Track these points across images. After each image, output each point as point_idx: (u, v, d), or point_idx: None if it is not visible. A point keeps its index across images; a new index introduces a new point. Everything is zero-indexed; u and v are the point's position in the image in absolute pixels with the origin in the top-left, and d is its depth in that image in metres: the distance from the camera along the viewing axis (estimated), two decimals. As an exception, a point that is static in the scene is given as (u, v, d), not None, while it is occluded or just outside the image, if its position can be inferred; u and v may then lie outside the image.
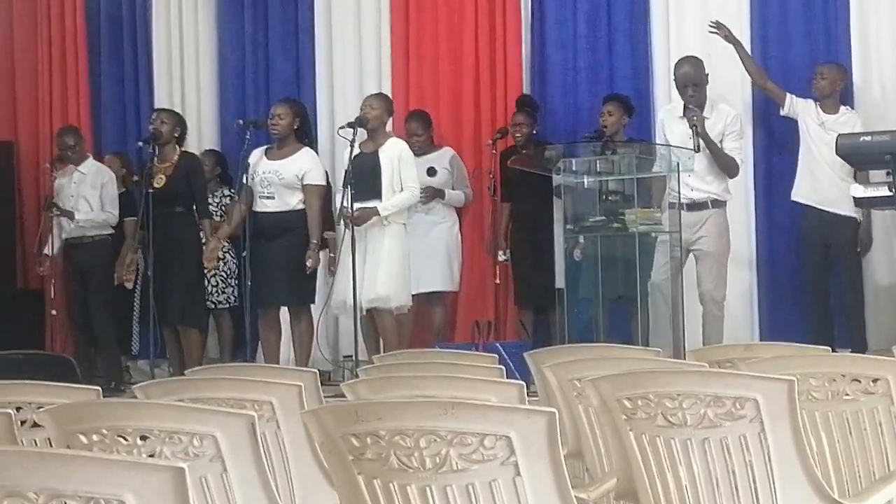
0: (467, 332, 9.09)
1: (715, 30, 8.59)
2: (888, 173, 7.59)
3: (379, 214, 8.22)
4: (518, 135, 9.04)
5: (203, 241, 8.71)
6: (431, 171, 9.01)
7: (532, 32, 9.70)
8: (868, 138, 7.76)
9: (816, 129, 8.39)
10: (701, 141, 8.07)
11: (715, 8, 9.02)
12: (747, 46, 8.84)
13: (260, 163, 8.46)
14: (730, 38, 8.59)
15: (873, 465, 3.81)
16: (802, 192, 8.50)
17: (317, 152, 8.94)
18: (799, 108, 8.55)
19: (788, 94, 8.59)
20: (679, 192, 7.92)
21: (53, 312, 9.81)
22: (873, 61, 8.82)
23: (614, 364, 4.14)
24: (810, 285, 8.50)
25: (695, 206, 8.13)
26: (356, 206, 8.18)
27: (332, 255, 8.79)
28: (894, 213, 7.89)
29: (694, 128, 8.09)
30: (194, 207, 8.76)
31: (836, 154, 7.83)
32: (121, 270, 9.15)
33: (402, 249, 8.39)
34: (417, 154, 8.79)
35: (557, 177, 7.86)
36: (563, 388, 4.29)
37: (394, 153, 8.38)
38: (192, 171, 8.80)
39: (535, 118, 9.14)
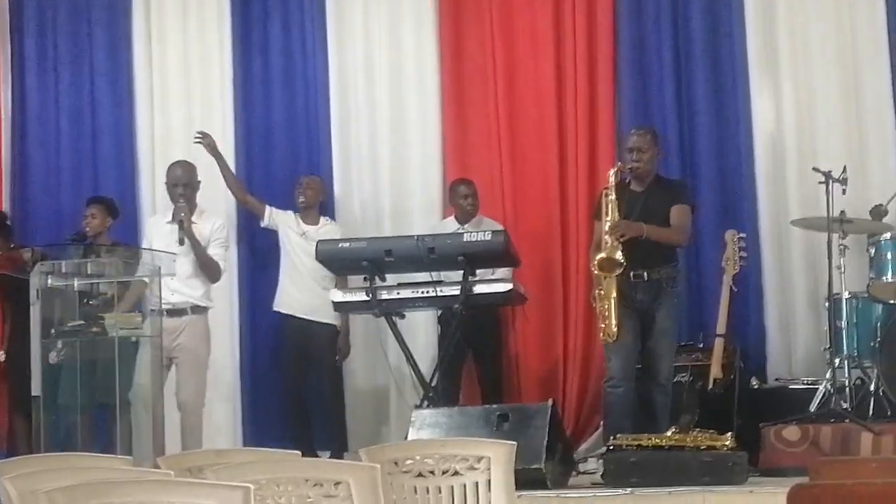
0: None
1: (200, 139, 8.63)
2: (365, 279, 7.86)
3: None
4: None
5: None
6: None
7: (13, 130, 9.44)
8: (347, 244, 8.01)
9: (298, 239, 8.56)
10: (185, 237, 8.04)
11: (199, 114, 9.15)
12: (232, 158, 8.95)
13: None
14: (213, 149, 8.66)
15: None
16: (284, 301, 8.67)
17: None
18: (279, 219, 8.73)
19: (267, 206, 8.78)
20: (160, 297, 7.83)
21: None
22: (353, 173, 9.11)
23: (80, 474, 4.02)
24: (289, 391, 8.63)
25: (175, 311, 8.06)
26: None
27: None
28: (375, 319, 8.11)
29: (180, 222, 8.05)
30: None
31: (316, 259, 8.03)
32: None
33: None
34: None
35: (34, 279, 7.61)
36: (24, 500, 4.13)
37: None
38: None
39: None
